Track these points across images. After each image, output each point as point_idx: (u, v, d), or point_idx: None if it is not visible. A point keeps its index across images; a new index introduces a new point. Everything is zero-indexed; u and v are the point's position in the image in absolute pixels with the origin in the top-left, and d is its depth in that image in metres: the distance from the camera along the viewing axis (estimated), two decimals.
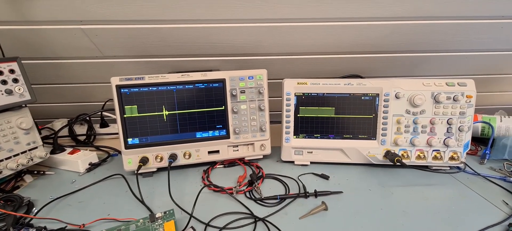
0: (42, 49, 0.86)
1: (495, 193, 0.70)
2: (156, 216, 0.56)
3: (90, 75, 1.00)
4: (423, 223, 0.60)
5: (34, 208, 0.65)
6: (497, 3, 0.77)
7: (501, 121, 0.91)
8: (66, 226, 0.58)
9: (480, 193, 0.70)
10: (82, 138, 1.06)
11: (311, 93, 0.81)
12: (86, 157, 0.85)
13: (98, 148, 0.99)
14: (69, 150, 0.88)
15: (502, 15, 0.82)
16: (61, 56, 0.91)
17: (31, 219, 0.61)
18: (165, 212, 0.58)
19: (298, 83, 0.82)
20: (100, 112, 1.08)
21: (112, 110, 0.78)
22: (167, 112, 0.78)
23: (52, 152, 0.86)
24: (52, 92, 1.07)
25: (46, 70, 0.95)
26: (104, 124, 1.13)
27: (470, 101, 0.76)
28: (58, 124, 1.08)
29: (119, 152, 0.93)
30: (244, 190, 0.71)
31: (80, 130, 1.08)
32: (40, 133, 0.83)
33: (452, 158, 0.78)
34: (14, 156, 0.73)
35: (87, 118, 1.06)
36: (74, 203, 0.68)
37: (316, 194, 0.69)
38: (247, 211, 0.63)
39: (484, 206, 0.65)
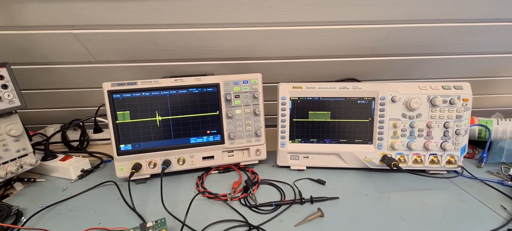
0: (33, 55, 0.85)
1: (493, 197, 0.69)
2: (147, 225, 0.55)
3: (82, 80, 0.98)
4: (422, 229, 0.59)
5: (22, 218, 0.63)
6: (492, 6, 0.77)
7: (497, 124, 0.91)
8: None
9: (478, 198, 0.69)
10: (75, 144, 1.04)
11: (306, 97, 0.81)
12: (78, 163, 0.83)
13: (91, 154, 0.97)
14: (61, 156, 0.87)
15: (497, 18, 0.81)
16: (53, 61, 0.89)
17: (19, 229, 0.59)
18: (156, 221, 0.56)
19: (293, 87, 0.81)
20: (93, 118, 1.06)
21: (105, 115, 0.77)
22: (160, 118, 0.76)
23: (44, 159, 0.85)
24: (44, 98, 1.05)
25: (38, 75, 0.94)
26: (97, 129, 1.11)
27: (466, 104, 0.75)
28: (50, 130, 1.06)
29: (113, 158, 0.92)
30: (239, 196, 0.70)
31: (74, 135, 1.07)
32: (31, 139, 0.81)
33: (449, 162, 0.78)
34: (3, 163, 0.71)
35: (80, 124, 1.04)
36: (64, 212, 0.67)
37: (312, 200, 0.68)
38: (242, 219, 0.62)
39: (483, 211, 0.64)
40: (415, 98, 0.75)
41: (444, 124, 0.76)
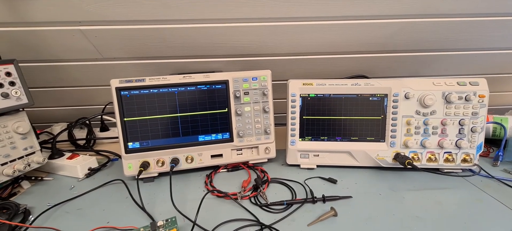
0: (40, 51, 0.84)
1: (511, 196, 0.67)
2: (158, 224, 0.53)
3: (90, 78, 0.98)
4: (439, 229, 0.57)
5: (30, 216, 0.62)
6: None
7: None
8: None
9: (495, 197, 0.67)
10: (82, 142, 1.04)
11: (317, 94, 0.79)
12: (85, 161, 0.82)
13: (98, 153, 0.96)
14: (68, 154, 0.86)
15: None
16: (60, 59, 0.89)
17: (27, 228, 0.58)
18: (167, 220, 0.55)
19: (303, 84, 0.79)
20: (100, 116, 1.05)
21: (112, 113, 0.75)
22: (168, 115, 0.75)
23: (51, 157, 0.84)
24: (51, 96, 1.05)
25: (44, 73, 0.93)
26: (104, 128, 1.10)
27: (482, 101, 0.73)
28: (57, 128, 1.05)
29: (120, 157, 0.91)
30: (249, 195, 0.69)
31: (80, 134, 1.06)
32: (38, 138, 0.80)
33: (464, 160, 0.75)
34: (11, 161, 0.70)
35: (87, 122, 1.04)
36: (72, 210, 0.66)
37: (324, 199, 0.66)
38: (253, 218, 0.60)
39: (502, 211, 0.62)
40: (429, 94, 0.73)
41: (460, 121, 0.74)
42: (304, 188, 0.72)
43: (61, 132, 0.93)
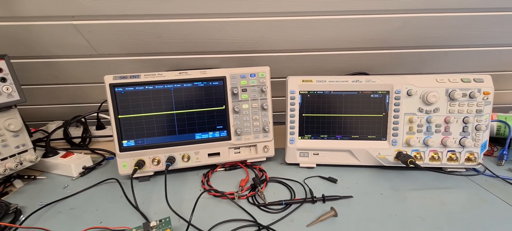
0: (32, 47, 0.82)
1: None
2: (151, 225, 0.52)
3: (85, 74, 0.96)
4: (443, 230, 0.55)
5: (21, 216, 0.61)
6: None
7: None
8: None
9: (501, 197, 0.65)
10: (77, 141, 1.02)
11: (317, 91, 0.77)
12: (79, 160, 0.81)
13: (93, 151, 0.95)
14: (62, 153, 0.84)
15: None
16: (54, 55, 0.87)
17: (17, 228, 0.56)
18: (160, 220, 0.53)
19: (303, 81, 0.77)
20: (96, 114, 1.03)
21: (108, 111, 0.74)
22: (164, 113, 0.73)
23: (45, 155, 0.82)
24: (46, 93, 1.03)
25: (38, 69, 0.91)
26: (100, 126, 1.08)
27: (487, 98, 0.71)
28: (52, 126, 1.03)
29: (115, 155, 0.89)
30: (246, 195, 0.67)
31: (76, 132, 1.04)
32: (31, 135, 0.79)
33: (468, 159, 0.73)
34: (2, 160, 0.68)
35: (83, 120, 1.02)
36: (65, 210, 0.64)
37: (324, 198, 0.64)
38: (250, 218, 0.58)
39: (507, 211, 0.60)
40: (432, 91, 0.71)
41: (463, 119, 0.72)
42: (303, 188, 0.70)
43: (55, 130, 0.91)
